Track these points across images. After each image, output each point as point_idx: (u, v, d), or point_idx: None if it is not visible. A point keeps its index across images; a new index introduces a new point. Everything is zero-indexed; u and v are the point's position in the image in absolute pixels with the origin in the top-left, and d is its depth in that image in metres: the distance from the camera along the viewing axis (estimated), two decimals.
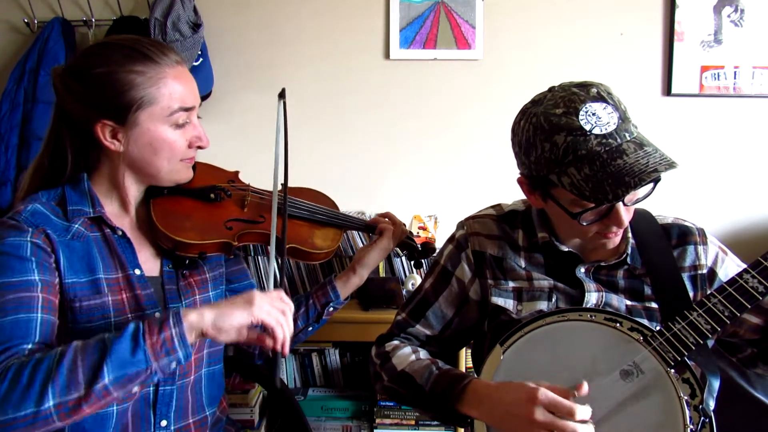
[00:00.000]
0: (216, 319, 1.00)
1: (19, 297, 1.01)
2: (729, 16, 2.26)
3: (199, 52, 2.19)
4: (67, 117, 1.16)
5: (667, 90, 2.30)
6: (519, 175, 1.17)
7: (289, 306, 1.08)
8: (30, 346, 0.99)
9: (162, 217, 1.23)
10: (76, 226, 1.13)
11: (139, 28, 2.18)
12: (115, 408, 1.11)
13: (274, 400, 2.11)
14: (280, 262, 1.26)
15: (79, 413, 0.93)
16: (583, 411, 0.92)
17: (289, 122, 2.40)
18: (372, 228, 1.53)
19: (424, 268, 2.17)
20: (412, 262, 1.64)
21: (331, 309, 1.45)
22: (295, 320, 1.42)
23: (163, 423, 1.18)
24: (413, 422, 2.05)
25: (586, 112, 1.01)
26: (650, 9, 2.30)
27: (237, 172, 1.48)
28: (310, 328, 1.46)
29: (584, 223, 1.06)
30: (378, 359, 1.24)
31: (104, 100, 1.11)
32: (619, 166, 0.98)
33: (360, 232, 2.24)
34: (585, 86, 1.05)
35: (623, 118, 1.02)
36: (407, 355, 1.20)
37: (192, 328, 0.99)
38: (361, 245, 2.22)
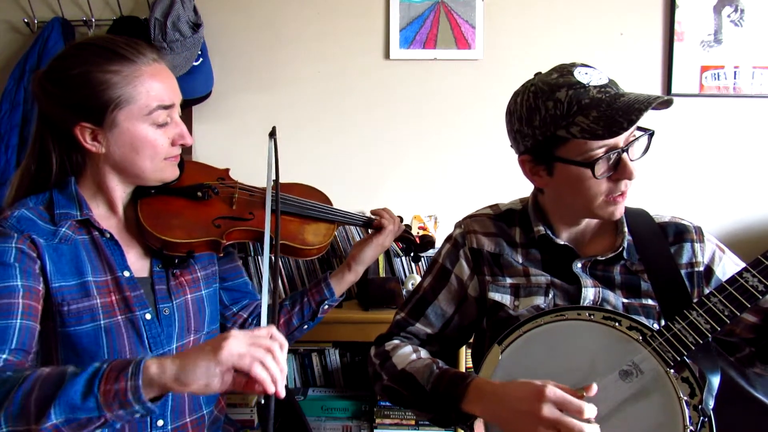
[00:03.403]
0: (179, 373, 0.88)
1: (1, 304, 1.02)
2: (729, 16, 2.26)
3: (199, 52, 2.19)
4: (49, 121, 1.16)
5: (667, 90, 2.30)
6: (520, 156, 1.18)
7: (280, 343, 0.94)
8: (5, 355, 1.00)
9: (149, 216, 1.23)
10: (63, 229, 1.13)
11: (139, 28, 2.18)
12: None
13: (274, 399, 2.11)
14: (275, 290, 1.21)
15: None
16: (591, 410, 0.91)
17: (289, 122, 2.41)
18: (369, 223, 1.52)
19: (423, 263, 2.17)
20: (411, 255, 1.63)
21: (326, 307, 1.45)
22: (290, 319, 1.42)
23: (160, 422, 1.18)
24: (413, 422, 2.05)
25: (579, 72, 1.07)
26: (650, 9, 2.30)
27: (227, 170, 1.47)
28: (305, 326, 1.45)
29: (598, 176, 1.06)
30: (377, 359, 1.24)
31: (81, 102, 1.10)
32: (624, 102, 1.03)
33: (357, 228, 2.23)
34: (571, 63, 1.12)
35: (611, 80, 1.09)
36: (408, 354, 1.20)
37: (152, 382, 0.88)
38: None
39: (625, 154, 1.06)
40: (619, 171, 1.07)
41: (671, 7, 2.27)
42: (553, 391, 0.92)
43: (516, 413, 0.95)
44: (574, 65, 1.09)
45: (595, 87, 1.05)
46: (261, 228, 1.30)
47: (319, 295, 1.44)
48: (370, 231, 1.55)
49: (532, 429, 0.92)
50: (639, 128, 1.09)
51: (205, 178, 1.39)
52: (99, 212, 1.20)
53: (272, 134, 1.40)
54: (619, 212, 1.13)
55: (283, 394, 0.90)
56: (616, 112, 1.01)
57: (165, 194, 1.30)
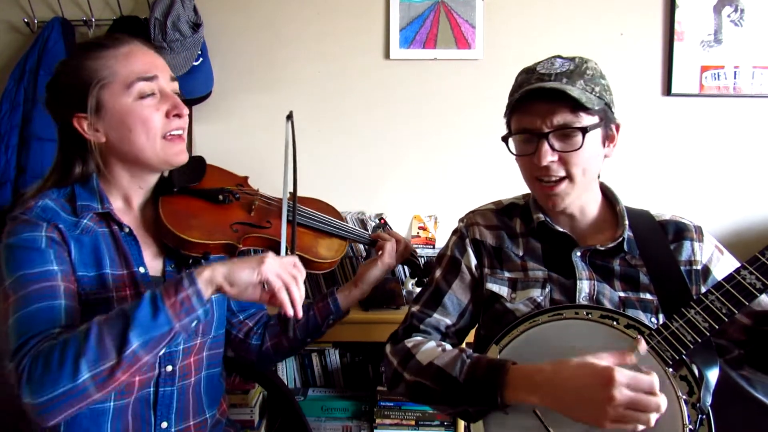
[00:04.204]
0: (228, 273, 1.05)
1: (41, 287, 1.04)
2: (729, 16, 2.26)
3: (199, 52, 2.19)
4: (62, 130, 1.20)
5: (667, 90, 2.30)
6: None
7: (302, 273, 1.12)
8: (58, 330, 1.02)
9: (169, 214, 1.25)
10: (85, 221, 1.15)
11: (139, 28, 2.18)
12: (111, 404, 1.12)
13: (274, 399, 2.11)
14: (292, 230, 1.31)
15: (115, 381, 0.98)
16: (657, 381, 0.91)
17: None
18: (373, 243, 1.54)
19: None
20: (415, 280, 1.64)
21: (331, 321, 1.45)
22: (294, 331, 1.42)
23: (164, 424, 1.18)
24: (413, 422, 2.04)
25: (547, 61, 1.17)
26: (650, 9, 2.30)
27: (246, 178, 1.50)
28: (309, 339, 1.46)
29: (512, 151, 1.18)
30: (395, 357, 1.19)
31: (70, 94, 1.15)
32: (533, 88, 1.10)
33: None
34: None
35: (577, 72, 1.13)
36: (432, 348, 1.16)
37: (207, 283, 1.04)
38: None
39: (545, 141, 1.11)
40: (535, 153, 1.12)
41: (671, 7, 2.27)
42: (622, 374, 0.90)
43: (583, 400, 0.93)
44: (558, 57, 1.17)
45: (540, 73, 1.14)
46: (277, 237, 1.33)
47: (326, 309, 1.45)
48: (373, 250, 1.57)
49: (603, 413, 0.90)
50: (578, 127, 1.11)
51: (225, 183, 1.42)
52: (116, 206, 1.22)
53: (289, 117, 1.41)
54: (552, 202, 1.17)
55: (300, 315, 1.09)
56: (521, 93, 1.11)
57: (187, 194, 1.32)
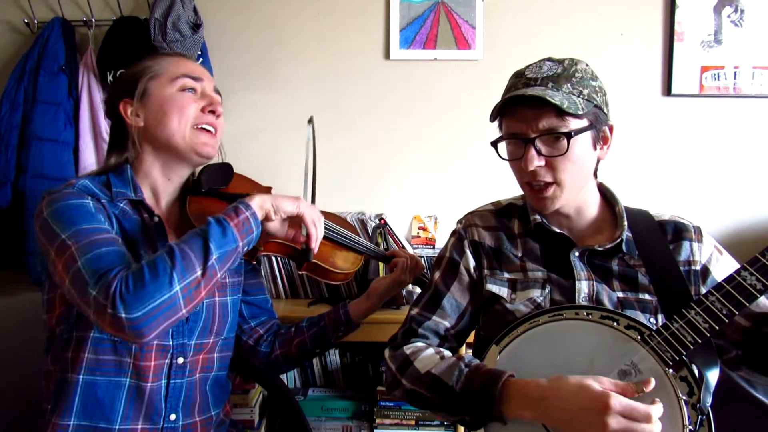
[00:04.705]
0: (273, 201, 1.19)
1: (104, 237, 1.08)
2: (729, 16, 2.26)
3: (199, 52, 2.20)
4: (113, 128, 1.31)
5: (667, 90, 2.30)
6: None
7: (322, 218, 1.29)
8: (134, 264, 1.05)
9: (196, 212, 1.28)
10: (122, 205, 1.20)
11: (139, 29, 2.18)
12: (127, 380, 1.14)
13: (274, 399, 2.11)
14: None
15: (199, 294, 1.05)
16: (657, 410, 0.90)
17: (289, 122, 2.41)
18: (388, 259, 1.55)
19: None
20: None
21: (341, 333, 1.46)
22: (304, 341, 1.44)
23: (172, 417, 1.20)
24: (413, 422, 2.04)
25: (536, 64, 1.16)
26: (650, 9, 2.30)
27: (269, 188, 1.52)
28: (318, 350, 1.46)
29: (501, 156, 1.18)
30: (394, 362, 1.19)
31: (124, 82, 1.27)
32: (518, 95, 1.09)
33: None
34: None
35: (564, 76, 1.11)
36: (431, 356, 1.15)
37: (259, 208, 1.16)
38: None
39: (531, 146, 1.10)
40: (522, 160, 1.12)
41: (671, 7, 2.28)
42: (618, 401, 0.90)
43: (578, 422, 0.93)
44: (548, 59, 1.16)
45: (527, 77, 1.13)
46: (296, 246, 1.36)
47: (337, 321, 1.45)
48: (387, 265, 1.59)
49: None
50: (563, 132, 1.09)
51: (250, 191, 1.43)
52: (147, 197, 1.25)
53: (310, 121, 1.46)
54: (541, 205, 1.17)
55: (317, 250, 1.26)
56: (505, 99, 1.12)
57: (213, 196, 1.35)
